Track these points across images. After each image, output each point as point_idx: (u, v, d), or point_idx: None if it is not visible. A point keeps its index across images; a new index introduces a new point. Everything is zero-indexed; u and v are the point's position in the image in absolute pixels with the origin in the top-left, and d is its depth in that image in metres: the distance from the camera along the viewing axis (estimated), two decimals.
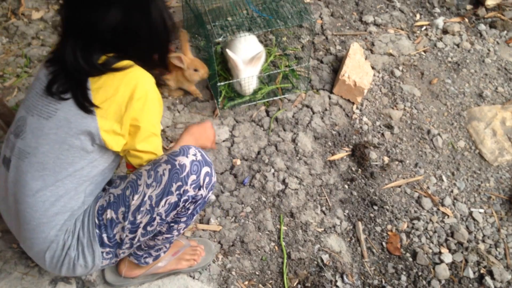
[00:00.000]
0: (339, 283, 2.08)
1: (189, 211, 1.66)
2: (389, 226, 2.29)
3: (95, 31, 1.41)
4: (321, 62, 3.06)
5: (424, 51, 3.16)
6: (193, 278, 2.04)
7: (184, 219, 1.68)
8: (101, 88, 1.45)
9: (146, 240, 1.77)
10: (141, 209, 1.54)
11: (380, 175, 2.48)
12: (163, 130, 2.57)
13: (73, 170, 1.50)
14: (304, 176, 2.43)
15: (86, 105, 1.44)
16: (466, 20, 3.40)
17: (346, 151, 2.57)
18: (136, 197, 1.54)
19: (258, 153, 2.52)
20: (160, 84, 1.69)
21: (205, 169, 1.59)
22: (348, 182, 2.45)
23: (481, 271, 2.16)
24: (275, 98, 2.78)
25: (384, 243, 2.23)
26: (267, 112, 2.73)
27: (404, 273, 2.14)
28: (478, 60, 3.10)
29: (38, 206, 1.49)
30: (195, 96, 2.76)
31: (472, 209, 2.37)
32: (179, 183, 1.54)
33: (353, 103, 2.80)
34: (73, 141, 1.47)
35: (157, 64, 1.66)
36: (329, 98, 2.81)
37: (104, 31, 1.42)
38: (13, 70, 2.89)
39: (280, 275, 2.10)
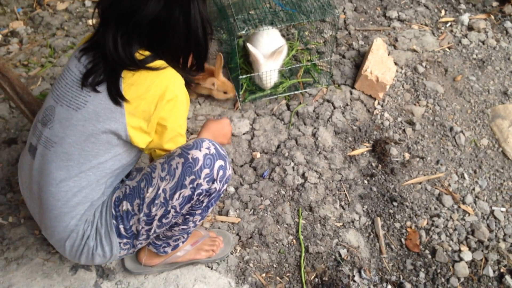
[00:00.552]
0: (356, 278, 2.07)
1: (204, 204, 1.67)
2: (408, 223, 2.27)
3: (134, 21, 1.43)
4: (343, 57, 3.04)
5: (449, 48, 3.11)
6: (211, 268, 2.05)
7: (199, 211, 1.69)
8: (133, 85, 1.47)
9: (164, 231, 1.78)
10: (156, 201, 1.56)
11: (400, 171, 2.46)
12: None
13: (97, 162, 1.53)
14: (324, 171, 2.42)
15: (117, 98, 1.45)
16: (492, 17, 3.35)
17: (367, 147, 2.56)
18: (150, 189, 1.56)
19: (278, 146, 2.52)
20: (190, 84, 1.72)
21: (219, 163, 1.58)
22: (368, 178, 2.44)
23: (501, 270, 2.13)
24: (296, 92, 2.77)
25: (403, 240, 2.22)
26: (287, 106, 2.73)
27: (422, 270, 2.12)
28: (503, 57, 3.05)
29: (60, 196, 1.52)
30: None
31: (493, 208, 2.33)
32: (192, 177, 1.54)
33: (374, 99, 2.78)
34: (99, 134, 1.49)
35: (191, 65, 1.68)
36: (351, 93, 2.79)
37: (142, 21, 1.43)
38: (37, 60, 2.94)
39: (298, 268, 2.10)
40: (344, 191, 2.37)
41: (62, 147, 1.49)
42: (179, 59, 1.61)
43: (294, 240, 2.18)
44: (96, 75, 1.47)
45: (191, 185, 1.55)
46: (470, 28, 3.26)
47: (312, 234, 2.20)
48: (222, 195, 1.72)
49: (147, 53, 1.51)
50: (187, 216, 1.70)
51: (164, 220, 1.61)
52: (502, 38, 3.18)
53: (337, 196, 2.35)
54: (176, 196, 1.55)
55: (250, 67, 2.81)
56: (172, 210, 1.58)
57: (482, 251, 2.18)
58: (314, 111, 2.69)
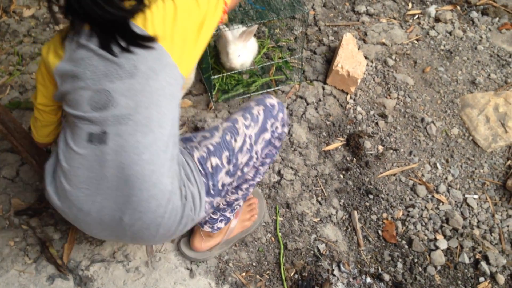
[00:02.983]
0: (335, 272, 2.10)
1: (274, 150, 1.90)
2: (384, 215, 2.30)
3: None
4: (314, 53, 3.06)
5: (417, 40, 3.16)
6: (191, 271, 2.05)
7: (268, 160, 1.90)
8: (153, 25, 1.45)
9: (228, 196, 1.90)
10: (243, 149, 1.70)
11: (375, 164, 2.49)
12: None
13: (168, 112, 1.52)
14: (299, 167, 2.44)
15: (149, 45, 1.44)
16: (458, 7, 3.40)
17: (341, 141, 2.58)
18: (238, 138, 1.69)
19: None
20: None
21: (285, 110, 1.87)
22: (343, 172, 2.46)
23: (477, 256, 2.17)
24: (269, 90, 2.78)
25: (380, 231, 2.25)
26: None
27: (400, 260, 2.16)
28: (470, 47, 3.10)
29: (155, 159, 1.48)
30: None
31: (466, 196, 2.38)
32: (272, 120, 1.78)
33: (346, 93, 2.80)
34: (163, 85, 1.48)
35: None
36: (323, 88, 2.81)
37: None
38: (5, 68, 2.89)
39: (277, 265, 2.11)
40: (320, 187, 2.39)
41: (140, 114, 1.46)
42: None
43: (272, 238, 2.19)
44: (115, 41, 1.43)
45: (271, 129, 1.78)
46: (437, 19, 3.31)
47: (290, 230, 2.22)
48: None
49: (133, 2, 1.47)
50: (259, 167, 1.89)
51: (245, 169, 1.75)
52: (469, 28, 3.24)
53: (314, 191, 2.37)
54: (260, 140, 1.75)
55: (221, 67, 2.81)
56: (255, 156, 1.76)
57: (457, 238, 2.22)
58: (287, 108, 2.70)
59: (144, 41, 1.44)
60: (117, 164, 1.47)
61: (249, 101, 1.82)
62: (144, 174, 1.47)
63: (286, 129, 1.88)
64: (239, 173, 1.73)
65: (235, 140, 1.68)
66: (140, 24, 1.44)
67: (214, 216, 1.95)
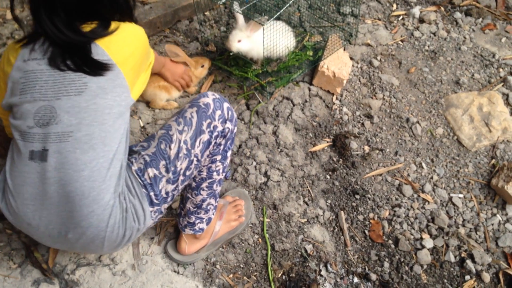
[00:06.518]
0: (323, 272, 2.10)
1: (221, 147, 1.82)
2: (371, 214, 2.31)
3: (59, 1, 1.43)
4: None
5: (402, 41, 3.18)
6: (178, 273, 2.04)
7: (219, 157, 1.83)
8: (114, 44, 1.53)
9: (193, 198, 1.88)
10: (180, 155, 1.66)
11: (361, 165, 2.50)
12: (143, 127, 2.57)
13: (114, 130, 1.54)
14: (286, 168, 2.44)
15: (106, 67, 1.50)
16: (442, 8, 3.43)
17: (327, 142, 2.59)
18: (172, 146, 1.66)
19: (240, 146, 2.53)
20: None
21: (226, 104, 1.77)
22: (330, 173, 2.47)
23: (462, 255, 2.19)
24: (254, 91, 2.78)
25: (366, 231, 2.26)
26: (247, 105, 2.73)
27: (387, 259, 2.17)
28: (454, 47, 3.13)
29: (95, 176, 1.50)
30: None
31: (451, 195, 2.40)
32: (208, 120, 1.71)
33: (332, 94, 2.81)
34: (111, 104, 1.51)
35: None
36: (309, 89, 2.82)
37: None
38: None
39: (265, 267, 2.11)
40: (307, 187, 2.39)
41: (81, 132, 1.48)
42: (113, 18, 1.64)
43: (259, 239, 2.19)
44: (71, 60, 1.48)
45: (208, 129, 1.71)
46: (421, 20, 3.34)
47: (277, 231, 2.22)
48: (234, 137, 1.90)
49: (94, 25, 1.52)
50: (210, 166, 1.83)
51: (187, 172, 1.71)
52: (452, 29, 3.27)
53: (301, 192, 2.37)
54: (197, 143, 1.70)
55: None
56: (195, 159, 1.71)
57: (443, 237, 2.24)
58: (273, 109, 2.70)
59: (99, 67, 1.49)
60: (57, 181, 1.50)
61: (186, 104, 1.78)
62: (84, 190, 1.50)
63: (229, 125, 1.79)
64: (181, 177, 1.71)
65: (170, 148, 1.66)
66: (104, 45, 1.49)
67: (190, 220, 1.95)
